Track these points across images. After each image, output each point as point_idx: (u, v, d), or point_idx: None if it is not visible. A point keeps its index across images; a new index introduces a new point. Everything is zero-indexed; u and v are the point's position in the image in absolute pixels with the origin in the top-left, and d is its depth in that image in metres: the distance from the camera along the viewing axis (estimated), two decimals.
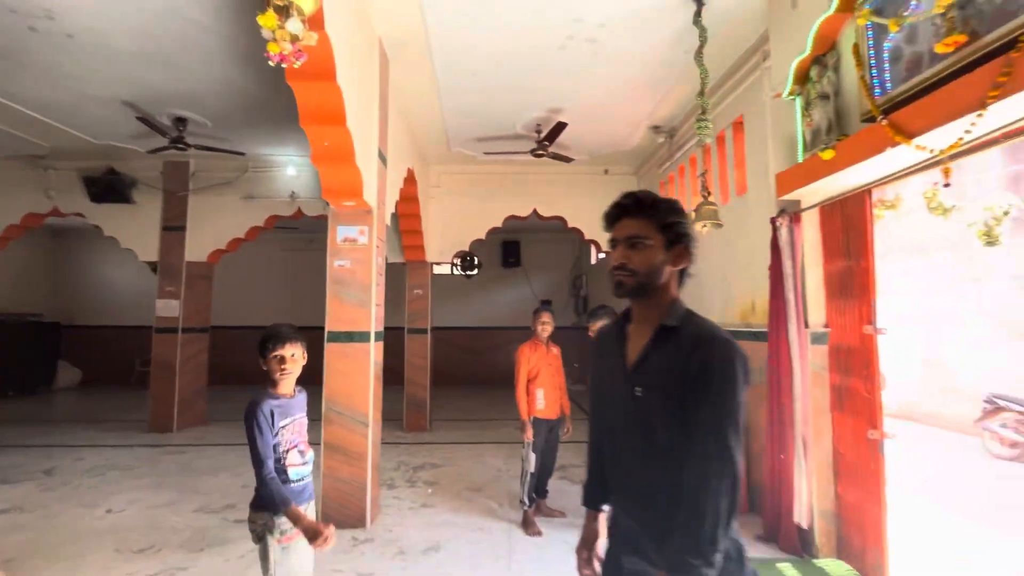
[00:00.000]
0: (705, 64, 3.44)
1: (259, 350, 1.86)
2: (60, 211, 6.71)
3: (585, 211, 6.90)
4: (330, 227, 3.60)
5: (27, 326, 9.73)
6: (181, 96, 4.79)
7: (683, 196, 5.48)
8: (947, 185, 2.10)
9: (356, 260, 3.61)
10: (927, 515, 3.83)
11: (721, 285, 4.43)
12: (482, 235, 6.97)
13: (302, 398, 1.99)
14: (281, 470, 1.82)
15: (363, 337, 3.56)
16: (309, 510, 1.92)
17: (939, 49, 2.07)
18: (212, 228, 6.75)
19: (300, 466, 1.88)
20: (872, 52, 2.56)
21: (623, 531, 1.25)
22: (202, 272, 6.91)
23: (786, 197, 3.20)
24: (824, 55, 2.89)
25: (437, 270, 8.61)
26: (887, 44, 2.49)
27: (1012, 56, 1.76)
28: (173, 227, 6.71)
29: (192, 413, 6.82)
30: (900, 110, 2.31)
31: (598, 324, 3.44)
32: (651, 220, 1.18)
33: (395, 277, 5.65)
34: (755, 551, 3.16)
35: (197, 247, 6.72)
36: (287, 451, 1.85)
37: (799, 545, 3.10)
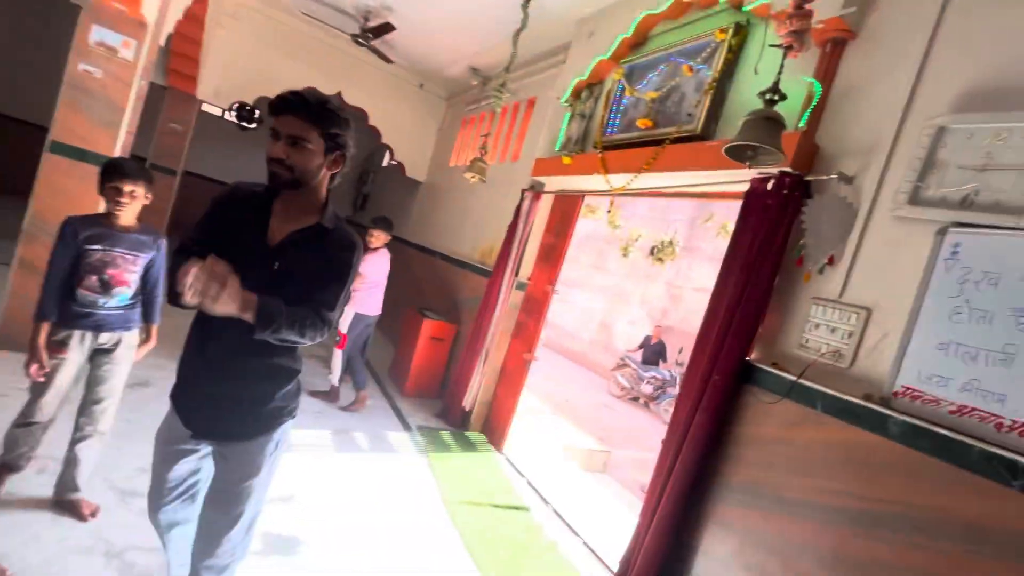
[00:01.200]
0: (522, 42, 4.02)
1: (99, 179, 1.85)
2: None
3: (390, 115, 6.99)
4: (82, 20, 3.02)
5: None
6: None
7: (476, 141, 6.15)
8: (608, 211, 3.23)
9: (110, 73, 3.15)
10: (549, 418, 5.67)
11: (477, 228, 5.34)
12: (271, 94, 6.38)
13: (142, 238, 1.97)
14: (70, 289, 1.85)
15: (92, 158, 3.19)
16: (99, 341, 1.96)
17: (638, 123, 3.11)
18: None
19: (93, 294, 1.89)
20: (615, 101, 3.55)
21: (202, 388, 1.39)
22: None
23: (536, 178, 4.14)
24: (593, 85, 3.81)
25: (206, 108, 7.48)
26: (625, 100, 3.50)
27: (658, 149, 2.85)
28: None
29: None
30: (611, 151, 3.35)
31: (376, 232, 3.92)
32: (315, 125, 1.28)
33: (147, 101, 4.86)
34: (431, 423, 4.26)
35: None
36: (86, 274, 1.85)
37: (460, 421, 4.32)
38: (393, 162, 7.93)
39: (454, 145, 6.69)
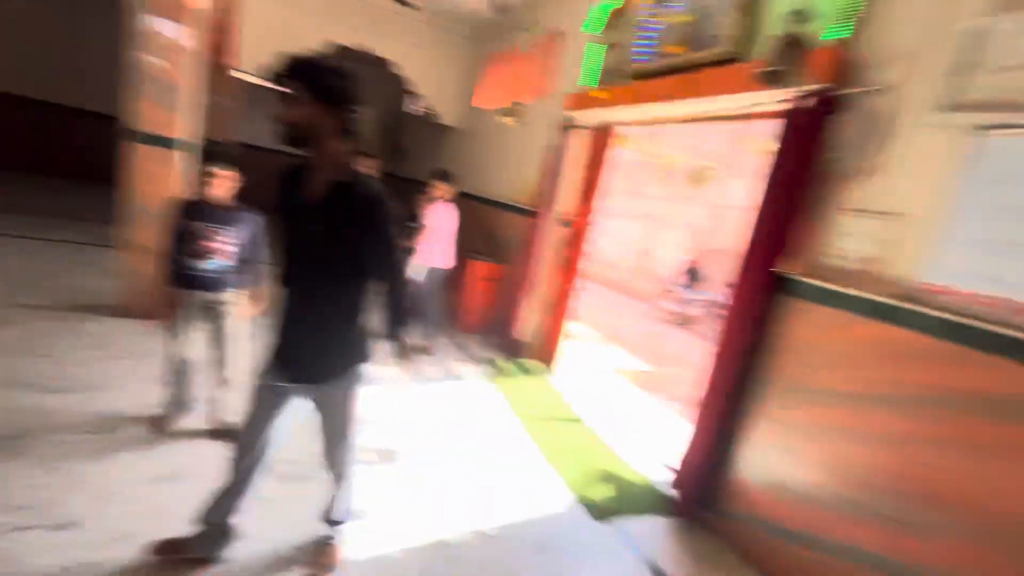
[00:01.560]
0: None
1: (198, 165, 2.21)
2: None
3: (418, 62, 6.99)
4: (137, 13, 3.26)
5: None
6: None
7: (503, 79, 6.13)
8: (643, 140, 3.31)
9: (170, 60, 3.42)
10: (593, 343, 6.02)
11: (515, 169, 5.47)
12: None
13: (236, 215, 2.29)
14: (179, 257, 2.25)
15: (171, 144, 3.53)
16: (204, 299, 2.34)
17: (670, 50, 3.12)
18: None
19: (194, 260, 2.26)
20: (646, 28, 3.51)
21: (289, 342, 1.61)
22: None
23: (569, 113, 4.20)
24: (624, 13, 3.75)
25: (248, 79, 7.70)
26: (657, 26, 3.45)
27: (692, 75, 2.89)
28: None
29: None
30: (643, 80, 3.38)
31: (437, 184, 4.06)
32: (301, 82, 1.36)
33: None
34: (491, 354, 4.68)
35: None
36: (188, 244, 2.24)
37: (515, 350, 4.71)
38: (424, 110, 7.99)
39: (482, 86, 6.67)
